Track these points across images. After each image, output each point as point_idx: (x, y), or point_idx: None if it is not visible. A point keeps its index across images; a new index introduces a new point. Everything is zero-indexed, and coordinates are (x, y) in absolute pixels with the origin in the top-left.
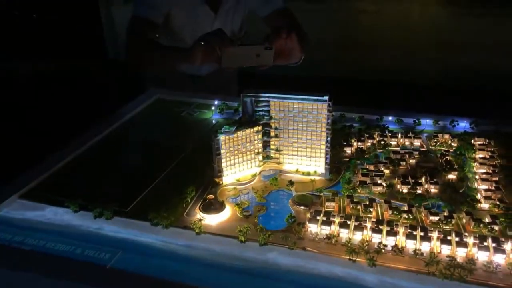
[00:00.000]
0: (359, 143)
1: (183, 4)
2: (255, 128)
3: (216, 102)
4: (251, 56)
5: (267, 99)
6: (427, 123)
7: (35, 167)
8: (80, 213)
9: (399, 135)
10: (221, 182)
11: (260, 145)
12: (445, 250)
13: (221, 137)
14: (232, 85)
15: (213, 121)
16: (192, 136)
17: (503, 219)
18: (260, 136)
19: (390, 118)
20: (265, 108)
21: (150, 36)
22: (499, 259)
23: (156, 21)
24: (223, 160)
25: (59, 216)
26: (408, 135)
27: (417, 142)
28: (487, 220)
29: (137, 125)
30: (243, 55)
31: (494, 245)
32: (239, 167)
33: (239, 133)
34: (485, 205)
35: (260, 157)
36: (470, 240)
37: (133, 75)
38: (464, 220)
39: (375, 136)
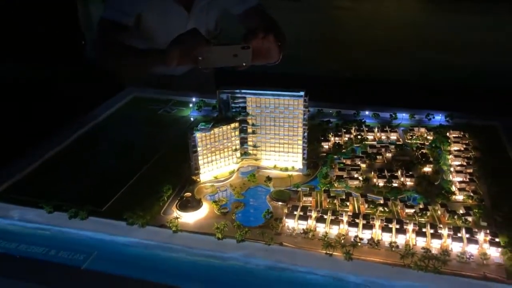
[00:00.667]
0: (336, 138)
1: (154, 5)
2: (232, 125)
3: (194, 99)
4: (228, 56)
5: (243, 95)
6: (403, 117)
7: (6, 169)
8: (54, 214)
9: (376, 129)
10: (198, 179)
11: (238, 141)
12: (420, 242)
13: (198, 134)
14: (210, 82)
15: (191, 119)
16: (169, 134)
17: (476, 210)
18: (237, 132)
19: (367, 112)
20: (242, 105)
21: (120, 39)
22: (472, 249)
23: (126, 23)
24: (200, 158)
25: (32, 217)
26: (385, 129)
27: (393, 136)
28: (461, 211)
29: (113, 124)
30: (220, 55)
31: (467, 236)
32: (217, 164)
33: (216, 130)
34: (459, 197)
35: (238, 154)
36: (444, 231)
37: (109, 74)
38: (439, 212)
39: (352, 130)
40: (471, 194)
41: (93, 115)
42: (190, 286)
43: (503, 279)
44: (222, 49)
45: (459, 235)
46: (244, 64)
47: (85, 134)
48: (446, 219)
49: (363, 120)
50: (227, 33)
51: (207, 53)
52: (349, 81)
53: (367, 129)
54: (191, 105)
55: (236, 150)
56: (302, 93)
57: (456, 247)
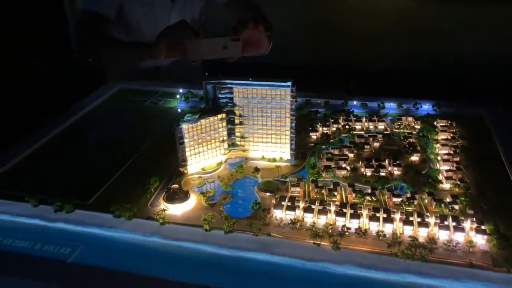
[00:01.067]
0: (325, 128)
1: None
2: (219, 116)
3: (181, 91)
4: (218, 48)
5: (230, 85)
6: (391, 107)
7: None
8: (40, 208)
9: (364, 119)
10: (185, 171)
11: (225, 132)
12: (408, 230)
13: (184, 126)
14: (197, 72)
15: (178, 110)
16: (156, 125)
17: (463, 198)
18: (224, 123)
19: (355, 102)
20: (229, 95)
21: (103, 31)
22: (459, 237)
23: (107, 15)
24: (187, 149)
25: (17, 211)
26: (373, 118)
27: (381, 126)
28: (448, 200)
29: (99, 117)
30: (209, 48)
31: (454, 224)
32: (204, 155)
33: (203, 121)
34: (446, 185)
35: (225, 145)
36: (431, 220)
37: (94, 67)
38: (426, 201)
39: (340, 120)
40: (458, 182)
41: (79, 107)
42: (178, 277)
43: (489, 266)
44: (212, 42)
45: (445, 223)
46: (234, 56)
47: (71, 127)
48: (433, 207)
49: (351, 110)
50: (217, 22)
51: (196, 45)
52: (336, 70)
53: (355, 119)
54: (178, 96)
55: (223, 141)
56: (289, 83)
57: (443, 235)
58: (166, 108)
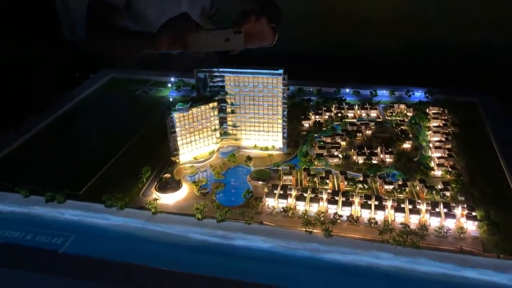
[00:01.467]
0: (317, 116)
1: None
2: (211, 105)
3: (172, 79)
4: (220, 40)
5: (221, 74)
6: (383, 94)
7: None
8: (31, 198)
9: (356, 107)
10: (177, 160)
11: (217, 121)
12: (399, 217)
13: (176, 115)
14: (212, 57)
15: (170, 99)
16: (148, 115)
17: (454, 185)
18: (216, 112)
19: (347, 90)
20: (220, 84)
21: (111, 20)
22: (450, 223)
23: (117, 3)
24: (178, 138)
25: (8, 202)
26: (365, 106)
27: (373, 113)
28: (439, 186)
29: (90, 106)
30: (211, 40)
31: (445, 210)
32: (196, 144)
33: (194, 109)
34: (438, 172)
35: (217, 134)
36: (423, 207)
37: (87, 54)
38: (417, 188)
39: (333, 108)
40: (449, 169)
41: (70, 96)
42: (170, 267)
43: (479, 252)
44: (213, 34)
45: (437, 210)
46: (236, 48)
47: (61, 116)
48: (424, 194)
49: (343, 98)
50: (230, 13)
51: (197, 38)
52: (328, 57)
53: (347, 106)
54: (169, 85)
55: (215, 130)
56: (281, 71)
57: (434, 222)
58: (157, 97)
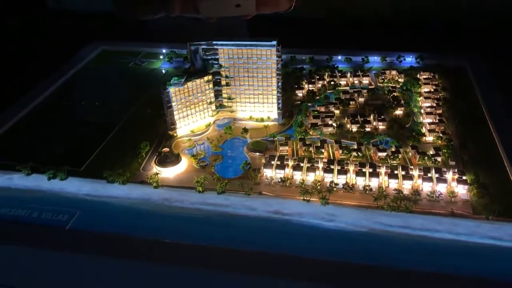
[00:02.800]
0: (310, 85)
1: None
2: (206, 78)
3: (164, 51)
4: (231, 6)
5: (215, 47)
6: (375, 60)
7: None
8: (33, 176)
9: (348, 74)
10: (175, 134)
11: (212, 94)
12: (393, 184)
13: (171, 89)
14: (242, 25)
15: (163, 71)
16: (142, 88)
17: (445, 151)
18: (211, 85)
19: (339, 57)
20: (214, 56)
21: None
22: (441, 188)
23: None
24: (175, 113)
25: (11, 181)
26: (357, 73)
27: (365, 80)
28: (431, 152)
29: (84, 81)
30: (221, 5)
31: (437, 175)
32: (193, 118)
33: (189, 83)
34: (429, 138)
35: (213, 107)
36: (415, 172)
37: (77, 25)
38: (410, 154)
39: (325, 77)
40: (441, 135)
41: (62, 71)
42: (173, 239)
43: (469, 214)
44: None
45: (429, 175)
46: (248, 14)
47: (55, 93)
48: (416, 160)
49: (335, 66)
50: None
51: (208, 3)
52: (321, 22)
53: (340, 74)
54: (161, 56)
55: (211, 103)
56: (274, 43)
57: (426, 187)
58: (150, 70)
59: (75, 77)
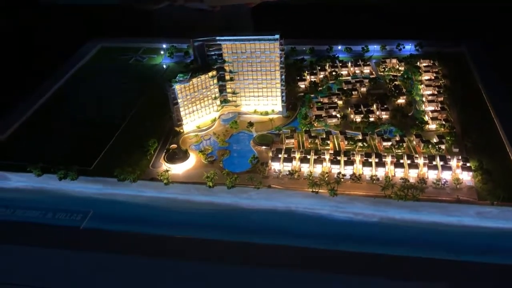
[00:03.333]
0: (312, 77)
1: None
2: (210, 74)
3: (164, 46)
4: None
5: (218, 42)
6: (375, 49)
7: None
8: (44, 177)
9: (349, 64)
10: (181, 130)
11: (217, 89)
12: (399, 173)
13: (177, 86)
14: (246, 18)
15: (164, 66)
16: (144, 84)
17: (448, 138)
18: (215, 80)
19: (339, 47)
20: (218, 52)
21: None
22: (446, 175)
23: None
24: (181, 109)
25: (22, 182)
26: (358, 63)
27: (366, 70)
28: (434, 140)
29: (86, 80)
30: None
31: (441, 163)
32: (198, 113)
33: (194, 80)
34: (432, 126)
35: (218, 102)
36: (420, 161)
37: (72, 21)
38: (414, 143)
39: (327, 67)
40: (443, 122)
41: (62, 71)
42: (188, 233)
43: (474, 200)
44: None
45: (434, 163)
46: (252, 1)
47: (58, 92)
48: (421, 148)
49: (336, 56)
50: None
51: None
52: (320, 8)
53: (341, 64)
54: (162, 52)
55: (216, 98)
56: (277, 36)
57: (431, 175)
58: (151, 65)
59: (78, 76)
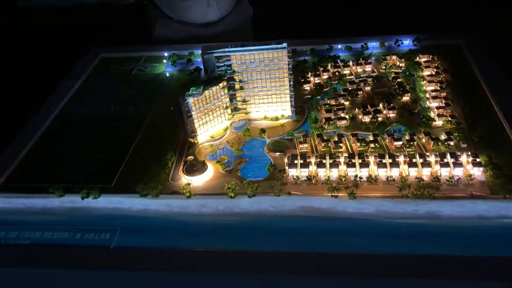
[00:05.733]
0: (316, 78)
1: None
2: (221, 84)
3: (166, 54)
4: None
5: (227, 53)
6: (374, 46)
7: None
8: (66, 197)
9: (351, 63)
10: (196, 141)
11: (227, 99)
12: (413, 172)
13: (191, 100)
14: (247, 26)
15: (167, 74)
16: (151, 95)
17: (456, 134)
18: (226, 90)
19: (339, 46)
20: (227, 63)
21: None
22: (458, 172)
23: None
24: (195, 121)
25: (46, 204)
26: (359, 61)
27: (368, 68)
28: (443, 137)
29: (91, 94)
30: None
31: (452, 160)
32: (211, 124)
33: (206, 92)
34: (439, 122)
35: (229, 111)
36: (432, 158)
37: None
38: (423, 140)
39: (329, 67)
40: (449, 118)
41: (67, 86)
42: (215, 245)
43: (487, 195)
44: None
45: (445, 160)
46: None
47: (65, 111)
48: (431, 146)
49: (337, 55)
50: None
51: None
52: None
53: (342, 64)
54: (164, 60)
55: (227, 107)
56: (285, 45)
57: (444, 172)
58: (154, 75)
59: (82, 92)
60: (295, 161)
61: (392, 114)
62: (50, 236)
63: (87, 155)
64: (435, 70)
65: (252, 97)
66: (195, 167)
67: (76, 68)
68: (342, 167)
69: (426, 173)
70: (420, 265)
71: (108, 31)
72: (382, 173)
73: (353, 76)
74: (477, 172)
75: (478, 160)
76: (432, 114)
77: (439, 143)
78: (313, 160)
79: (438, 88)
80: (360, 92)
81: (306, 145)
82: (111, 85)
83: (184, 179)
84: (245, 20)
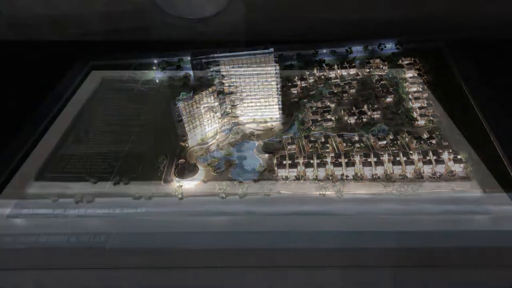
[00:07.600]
0: (302, 82)
1: None
2: (210, 89)
3: (155, 61)
4: None
5: (216, 59)
6: (357, 50)
7: None
8: (59, 202)
9: (336, 67)
10: (186, 145)
11: (217, 103)
12: (397, 169)
13: (181, 104)
14: (239, 28)
15: (157, 81)
16: (142, 103)
17: (437, 132)
18: (215, 95)
19: (324, 51)
20: (216, 68)
21: None
22: (440, 169)
23: None
24: (186, 125)
25: (35, 209)
26: (344, 65)
27: (352, 71)
28: (425, 136)
29: (83, 107)
30: None
31: (435, 157)
32: (201, 127)
33: (196, 96)
34: (421, 122)
35: (219, 114)
36: (415, 156)
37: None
38: (407, 139)
39: (315, 71)
40: (431, 118)
41: (60, 99)
42: (208, 244)
43: (468, 190)
44: None
45: (427, 158)
46: None
47: (58, 126)
48: (413, 145)
49: (322, 59)
50: None
51: None
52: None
53: (327, 67)
54: (154, 67)
55: (216, 111)
56: (271, 49)
57: (427, 169)
58: (144, 81)
59: (74, 105)
60: (284, 162)
61: (376, 115)
62: (46, 239)
63: (81, 164)
64: (417, 72)
65: (241, 101)
66: (186, 170)
67: (66, 77)
68: (329, 166)
69: (409, 170)
70: (405, 257)
71: (99, 39)
72: (368, 171)
73: (338, 79)
74: (458, 168)
75: (459, 157)
76: (414, 114)
77: (422, 142)
78: (301, 160)
79: (420, 89)
80: (345, 95)
81: (294, 146)
82: (103, 94)
83: (175, 181)
84: (239, 17)
